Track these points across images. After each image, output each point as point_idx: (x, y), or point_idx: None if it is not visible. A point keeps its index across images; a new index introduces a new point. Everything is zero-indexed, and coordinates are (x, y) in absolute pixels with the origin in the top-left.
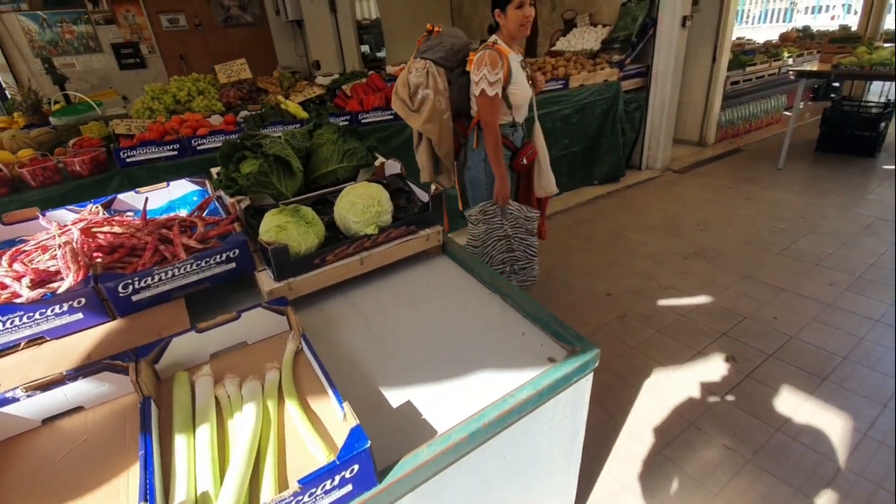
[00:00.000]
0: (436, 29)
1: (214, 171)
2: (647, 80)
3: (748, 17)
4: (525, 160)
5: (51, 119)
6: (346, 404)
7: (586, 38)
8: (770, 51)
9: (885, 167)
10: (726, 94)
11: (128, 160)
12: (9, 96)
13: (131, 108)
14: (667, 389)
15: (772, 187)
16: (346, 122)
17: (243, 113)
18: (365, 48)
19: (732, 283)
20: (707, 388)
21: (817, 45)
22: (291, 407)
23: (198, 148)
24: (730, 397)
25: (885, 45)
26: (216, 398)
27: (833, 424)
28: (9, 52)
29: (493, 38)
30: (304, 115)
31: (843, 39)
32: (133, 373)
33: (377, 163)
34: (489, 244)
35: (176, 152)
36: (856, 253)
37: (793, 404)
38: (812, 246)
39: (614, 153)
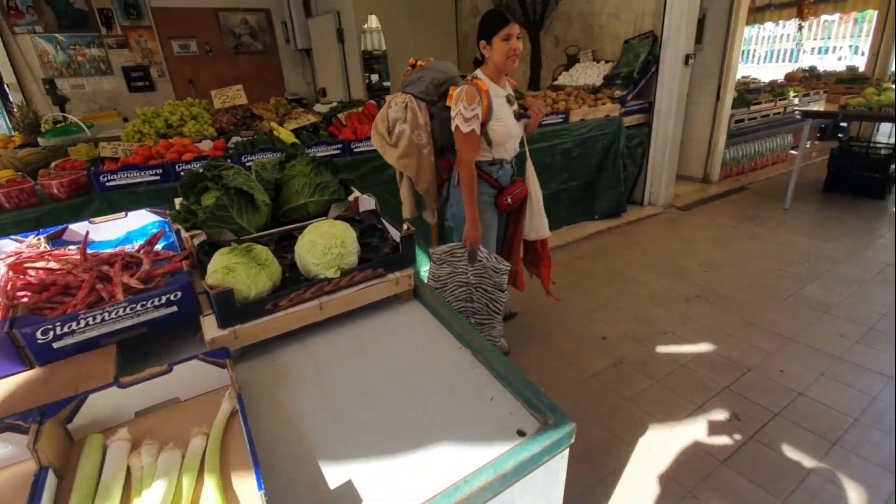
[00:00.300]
0: (418, 63)
1: (178, 201)
2: (650, 117)
3: (753, 56)
4: (510, 199)
5: (39, 140)
6: (260, 494)
7: (589, 74)
8: (775, 90)
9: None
10: (731, 132)
11: (108, 184)
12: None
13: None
14: (663, 450)
15: (778, 228)
16: (338, 151)
17: (235, 139)
18: (375, 77)
19: (736, 330)
20: (707, 450)
21: (824, 85)
22: (210, 487)
23: (181, 173)
24: (732, 462)
25: (894, 86)
26: (129, 468)
27: (845, 497)
28: (20, 72)
29: (476, 72)
30: (295, 142)
31: (850, 80)
32: (32, 436)
33: (351, 197)
34: (449, 288)
35: (158, 177)
36: (867, 301)
37: (800, 472)
38: (820, 292)
39: (615, 188)
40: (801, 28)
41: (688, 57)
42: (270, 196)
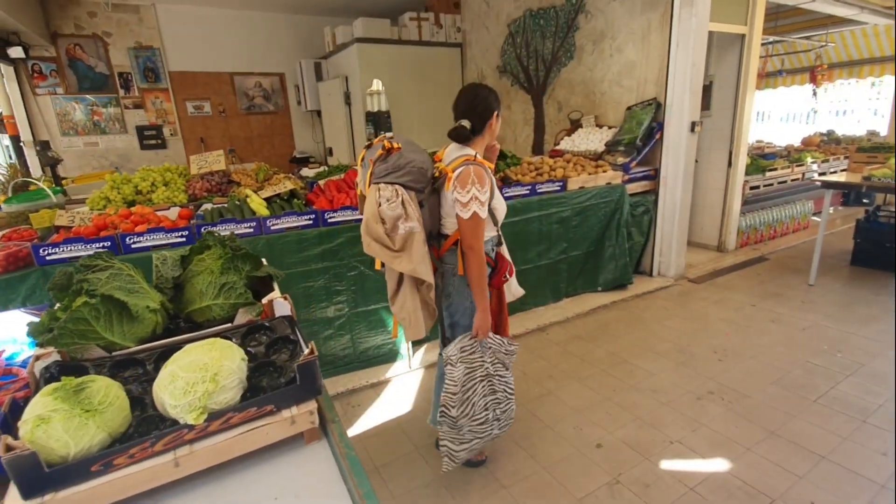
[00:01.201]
0: (395, 146)
1: None
2: (657, 184)
3: (768, 117)
4: (508, 275)
5: (2, 206)
6: None
7: (591, 139)
8: (792, 155)
9: None
10: (746, 199)
11: (48, 258)
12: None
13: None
14: None
15: (802, 308)
16: (310, 222)
17: (206, 206)
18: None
19: (757, 442)
20: None
21: (844, 150)
22: None
23: (132, 246)
24: None
25: None
26: None
27: None
28: (37, 130)
29: (470, 150)
30: (265, 212)
31: (872, 149)
32: None
33: (265, 300)
34: (468, 388)
35: (105, 250)
36: None
37: None
38: (856, 392)
39: (620, 259)
40: (815, 94)
41: (693, 124)
42: (169, 296)
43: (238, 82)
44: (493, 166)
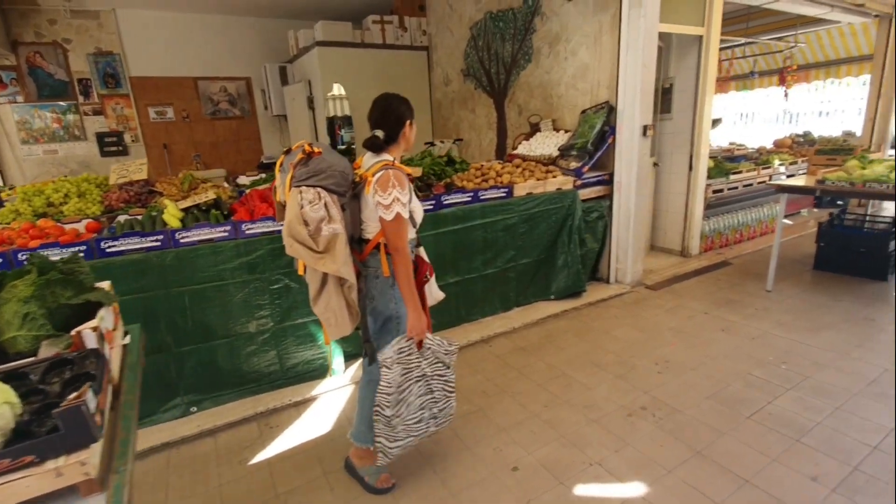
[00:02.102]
0: (316, 150)
1: None
2: (612, 189)
3: (753, 118)
4: (429, 274)
5: None
6: None
7: (547, 144)
8: (760, 158)
9: None
10: (710, 203)
11: None
12: None
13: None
14: None
15: (755, 316)
16: (225, 234)
17: (122, 218)
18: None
19: (680, 463)
20: None
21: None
22: None
23: (24, 262)
24: None
25: (886, 156)
26: None
27: None
28: None
29: (387, 156)
30: (177, 224)
31: (832, 150)
32: None
33: (74, 331)
34: (404, 388)
35: None
36: (852, 426)
37: None
38: (795, 408)
39: (573, 266)
40: (786, 95)
41: (646, 128)
42: None
43: (202, 87)
44: (411, 171)
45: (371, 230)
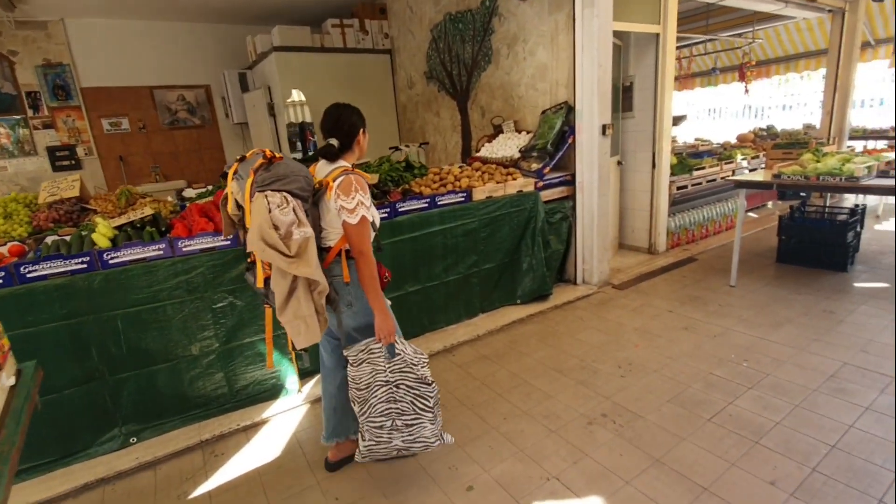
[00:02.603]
0: (277, 156)
1: None
2: (575, 189)
3: (724, 113)
4: (388, 276)
5: None
6: None
7: (509, 145)
8: (723, 153)
9: (860, 285)
10: (675, 199)
11: None
12: None
13: None
14: None
15: (718, 313)
16: (160, 252)
17: (50, 239)
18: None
19: (638, 473)
20: None
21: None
22: None
23: None
24: None
25: (844, 148)
26: None
27: None
28: None
29: (344, 162)
30: (106, 244)
31: (788, 144)
32: None
33: None
34: (372, 389)
35: None
36: (811, 425)
37: None
38: (754, 409)
39: (537, 269)
40: (747, 90)
41: (605, 127)
42: None
43: (159, 96)
44: (370, 178)
45: (332, 237)
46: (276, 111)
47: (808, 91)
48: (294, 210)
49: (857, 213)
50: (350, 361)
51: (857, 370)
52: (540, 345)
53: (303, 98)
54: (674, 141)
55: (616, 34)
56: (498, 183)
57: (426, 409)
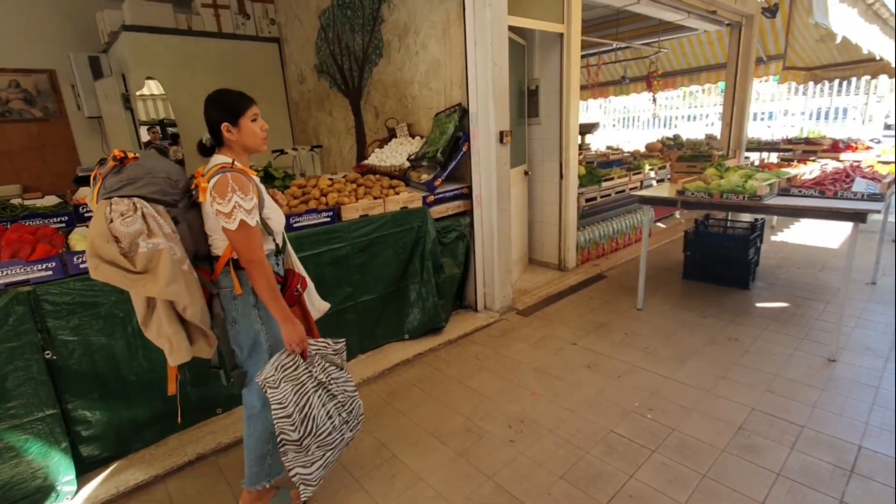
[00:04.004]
0: (129, 156)
1: None
2: (472, 203)
3: (636, 122)
4: (300, 287)
5: None
6: None
7: (400, 152)
8: (633, 163)
9: (762, 305)
10: (584, 212)
11: None
12: None
13: None
14: None
15: (624, 343)
16: None
17: None
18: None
19: None
20: None
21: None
22: None
23: None
24: None
25: (742, 161)
26: None
27: None
28: None
29: (224, 157)
30: None
31: (692, 157)
32: None
33: None
34: (304, 404)
35: None
36: (721, 501)
37: None
38: (657, 482)
39: (427, 299)
40: (654, 100)
41: (502, 134)
42: None
43: None
44: (254, 173)
45: (219, 245)
46: (134, 104)
47: (709, 103)
48: (145, 218)
49: (758, 229)
50: (268, 385)
51: (765, 418)
52: (422, 397)
53: (159, 90)
54: (587, 149)
55: (519, 32)
56: (376, 198)
57: (354, 388)
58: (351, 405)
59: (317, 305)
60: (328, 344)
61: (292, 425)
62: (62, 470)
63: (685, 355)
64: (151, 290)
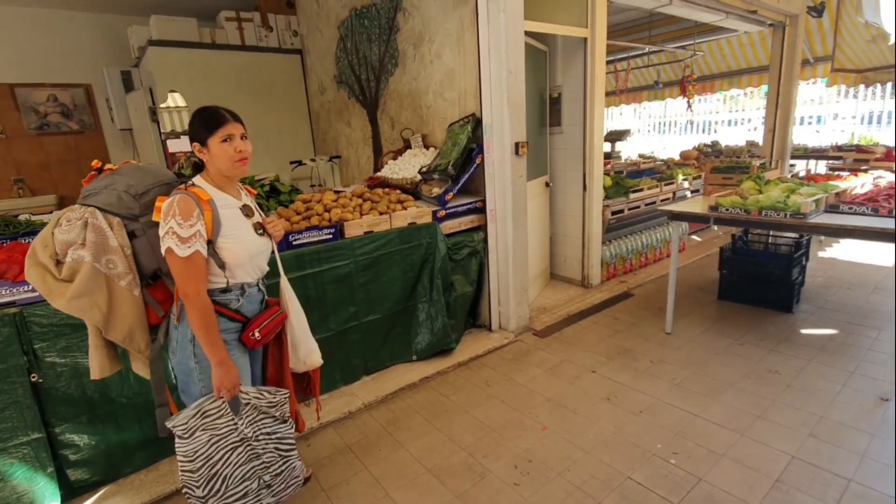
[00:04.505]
0: (107, 167)
1: None
2: (486, 218)
3: (673, 127)
4: (258, 333)
5: None
6: None
7: (413, 164)
8: (665, 172)
9: (807, 331)
10: (610, 226)
11: None
12: None
13: None
14: None
15: (648, 373)
16: None
17: None
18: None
19: None
20: None
21: (721, 164)
22: None
23: None
24: None
25: (786, 171)
26: None
27: None
28: None
29: (195, 178)
30: None
31: (727, 168)
32: None
33: None
34: (216, 460)
35: None
36: None
37: None
38: None
39: (437, 319)
40: (689, 105)
41: (518, 145)
42: None
43: (22, 95)
44: (209, 197)
45: None
46: (159, 116)
47: (752, 107)
48: (90, 227)
49: (803, 246)
50: (179, 435)
51: (807, 469)
52: (425, 427)
53: (181, 103)
54: (616, 158)
55: (540, 38)
56: (382, 214)
57: (291, 447)
58: (280, 467)
59: (301, 356)
60: (263, 395)
61: (197, 482)
62: (48, 496)
63: (718, 389)
64: (57, 302)
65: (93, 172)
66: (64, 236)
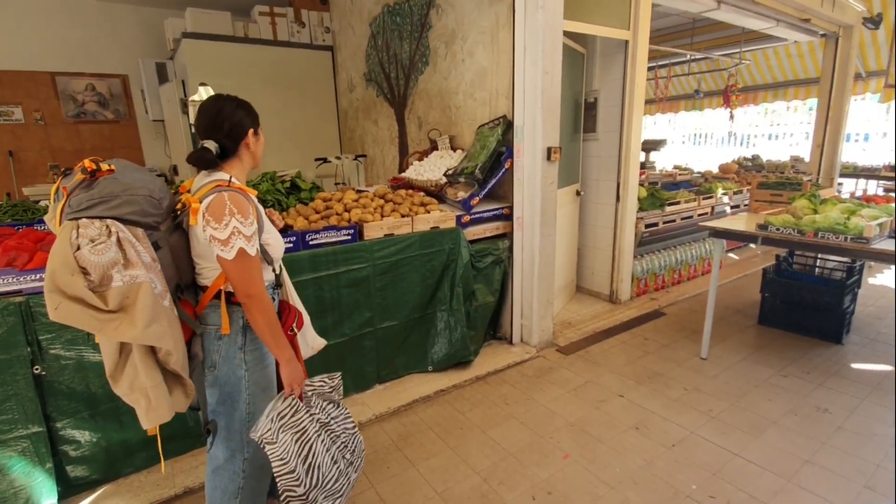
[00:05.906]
0: (103, 167)
1: None
2: (512, 226)
3: (709, 139)
4: (296, 327)
5: None
6: None
7: (438, 166)
8: (703, 185)
9: (858, 366)
10: (643, 239)
11: None
12: None
13: None
14: None
15: (682, 401)
16: None
17: None
18: None
19: None
20: None
21: (763, 178)
22: None
23: None
24: None
25: (836, 190)
26: None
27: None
28: None
29: (222, 174)
30: None
31: (777, 185)
32: None
33: None
34: (307, 453)
35: None
36: None
37: None
38: None
39: (456, 329)
40: (732, 116)
41: (550, 150)
42: None
43: (62, 84)
44: (255, 193)
45: (209, 274)
46: (190, 108)
47: (794, 121)
48: (121, 244)
49: (857, 272)
50: (265, 441)
51: None
52: (437, 445)
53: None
54: (650, 168)
55: (578, 39)
56: (403, 216)
57: (354, 423)
58: (353, 442)
59: (310, 342)
60: (325, 381)
61: (297, 480)
62: (45, 492)
63: (760, 426)
64: (127, 334)
65: (82, 175)
66: (99, 258)
